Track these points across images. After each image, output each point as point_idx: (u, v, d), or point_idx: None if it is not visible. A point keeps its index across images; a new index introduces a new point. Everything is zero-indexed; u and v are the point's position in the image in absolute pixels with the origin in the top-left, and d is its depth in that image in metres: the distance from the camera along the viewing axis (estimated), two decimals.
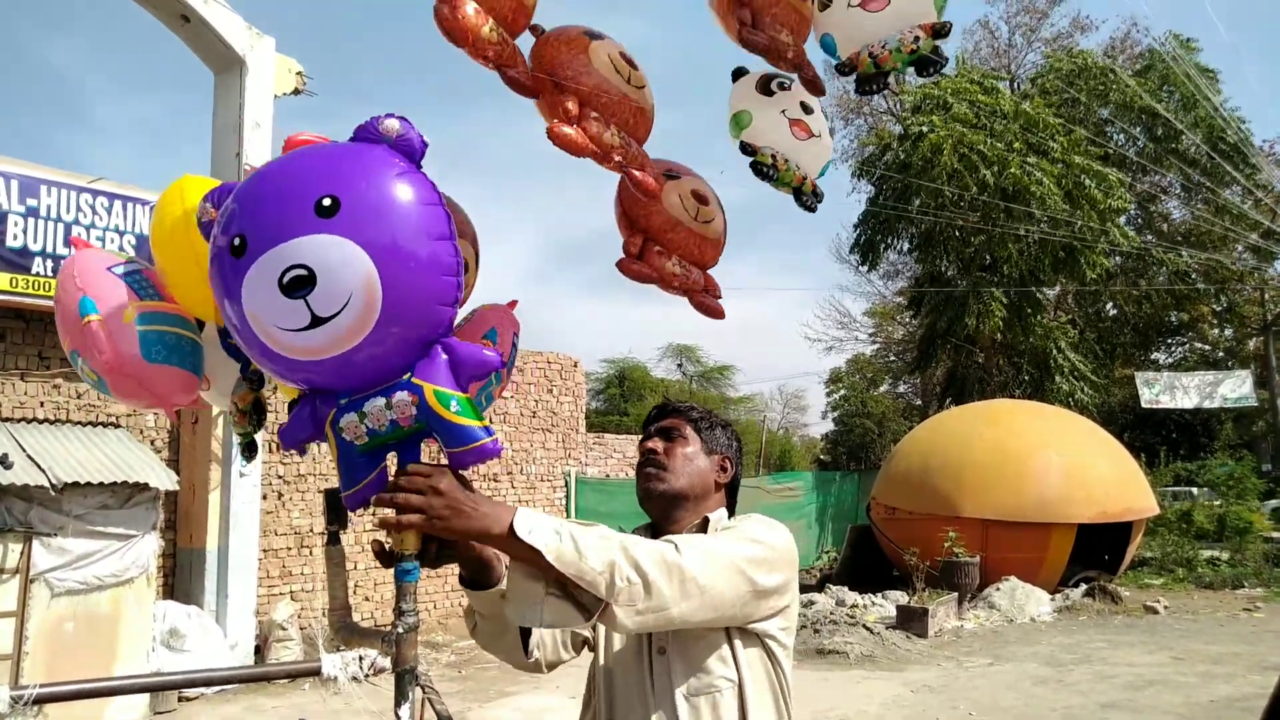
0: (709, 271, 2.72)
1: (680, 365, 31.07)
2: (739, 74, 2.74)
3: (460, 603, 11.25)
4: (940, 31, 2.25)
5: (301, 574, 9.55)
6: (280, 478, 9.53)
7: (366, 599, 9.68)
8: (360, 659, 2.09)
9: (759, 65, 2.61)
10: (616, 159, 2.33)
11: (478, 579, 1.70)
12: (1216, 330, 25.88)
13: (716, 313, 2.70)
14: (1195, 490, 18.25)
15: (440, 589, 11.09)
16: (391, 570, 1.56)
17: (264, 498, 9.19)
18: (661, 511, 1.83)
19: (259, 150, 8.58)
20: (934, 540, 11.89)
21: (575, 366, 13.61)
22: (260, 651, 8.69)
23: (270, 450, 9.41)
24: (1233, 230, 18.81)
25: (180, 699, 7.63)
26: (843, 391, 31.01)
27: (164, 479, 7.39)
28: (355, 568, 9.94)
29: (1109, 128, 20.11)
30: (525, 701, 7.80)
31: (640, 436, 1.95)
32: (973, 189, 16.52)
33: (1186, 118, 18.51)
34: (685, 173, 2.68)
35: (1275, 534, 15.34)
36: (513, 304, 2.54)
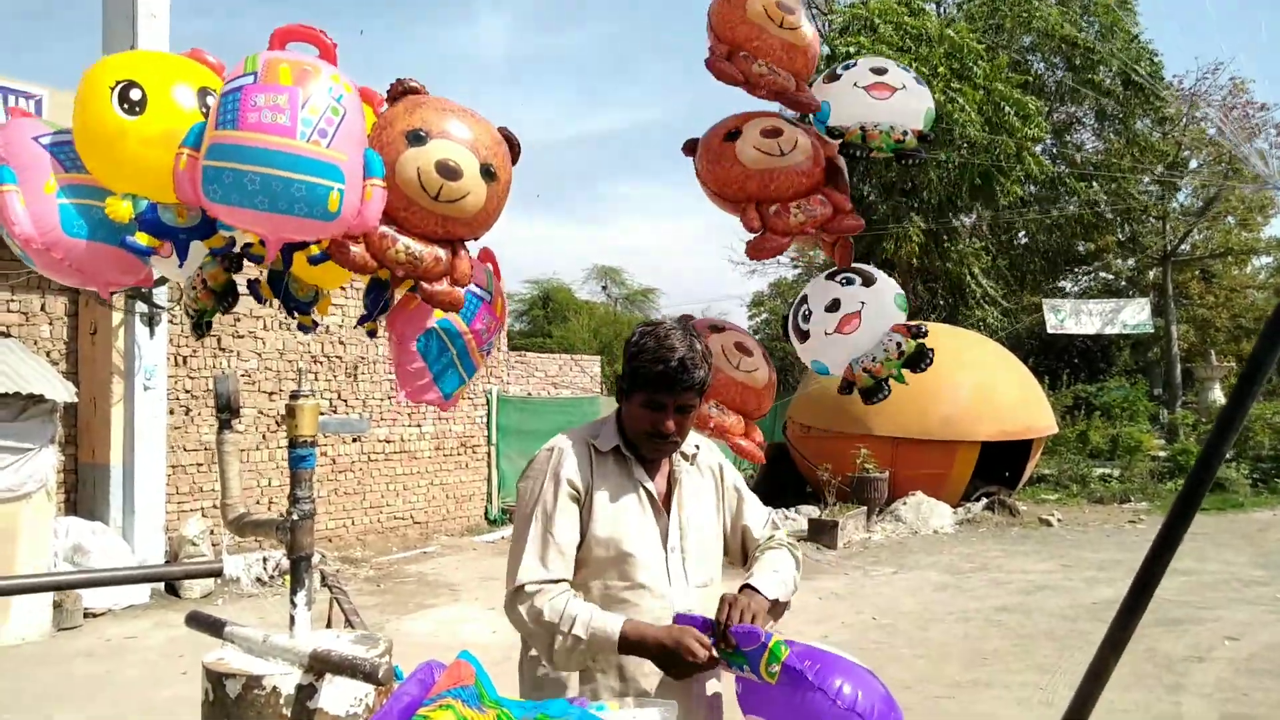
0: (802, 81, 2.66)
1: (605, 288, 30.97)
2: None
3: (379, 520, 11.21)
4: (925, 138, 2.53)
5: (213, 490, 9.33)
6: (188, 392, 9.22)
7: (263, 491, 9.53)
8: (265, 560, 2.01)
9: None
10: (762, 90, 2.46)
11: None
12: (1120, 260, 26.89)
13: (809, 106, 2.63)
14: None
15: (358, 505, 11.00)
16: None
17: (170, 413, 8.89)
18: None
19: (155, 43, 8.03)
20: (846, 457, 12.28)
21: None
22: None
23: (176, 364, 9.08)
24: (1140, 161, 19.40)
25: (86, 615, 7.45)
26: (764, 315, 31.38)
27: (60, 391, 7.06)
28: (249, 461, 9.77)
29: (1030, 56, 20.35)
30: (443, 613, 7.87)
31: (655, 375, 1.95)
32: None
33: (1104, 49, 18.85)
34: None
35: (1162, 453, 16.28)
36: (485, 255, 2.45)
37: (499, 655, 2.03)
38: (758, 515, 2.24)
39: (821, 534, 10.78)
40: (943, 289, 19.23)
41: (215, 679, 1.39)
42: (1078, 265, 26.84)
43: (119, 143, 1.61)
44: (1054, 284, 25.94)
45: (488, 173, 1.77)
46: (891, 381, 2.49)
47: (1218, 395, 19.03)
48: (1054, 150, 21.10)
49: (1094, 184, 19.71)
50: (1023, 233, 22.59)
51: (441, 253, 1.81)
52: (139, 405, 8.28)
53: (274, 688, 1.37)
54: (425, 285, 1.84)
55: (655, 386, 1.95)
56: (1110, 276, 27.73)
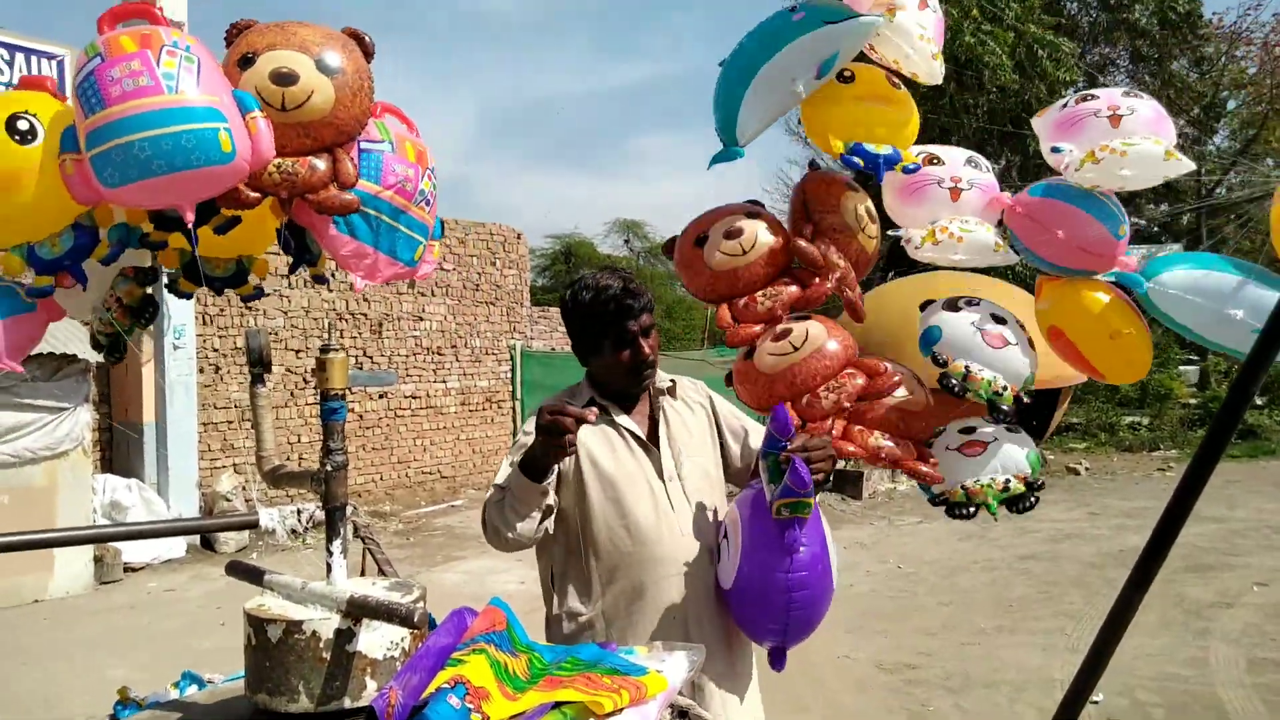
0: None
1: (627, 241, 30.79)
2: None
3: (407, 475, 11.36)
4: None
5: (244, 447, 9.49)
6: (216, 350, 9.34)
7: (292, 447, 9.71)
8: (298, 512, 2.05)
9: None
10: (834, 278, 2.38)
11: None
12: (1153, 205, 26.34)
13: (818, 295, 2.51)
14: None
15: (386, 461, 11.15)
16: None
17: (200, 371, 9.02)
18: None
19: (174, 5, 7.99)
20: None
21: (519, 238, 13.39)
22: None
23: (204, 323, 9.18)
24: (1176, 103, 18.86)
25: (126, 569, 7.66)
26: None
27: (92, 351, 7.18)
28: (278, 419, 9.91)
29: None
30: (471, 565, 8.01)
31: (609, 316, 2.04)
32: None
33: None
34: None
35: (1192, 400, 16.10)
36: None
37: (526, 605, 2.06)
38: None
39: (846, 484, 10.80)
40: None
41: (256, 624, 1.42)
42: None
43: None
44: None
45: (324, 67, 1.73)
46: (978, 510, 2.46)
47: None
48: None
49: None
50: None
51: (319, 162, 1.76)
52: (169, 364, 8.41)
53: (313, 632, 1.40)
54: (312, 197, 1.77)
55: (617, 322, 2.04)
56: (1143, 222, 27.16)
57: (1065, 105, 2.39)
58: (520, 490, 1.88)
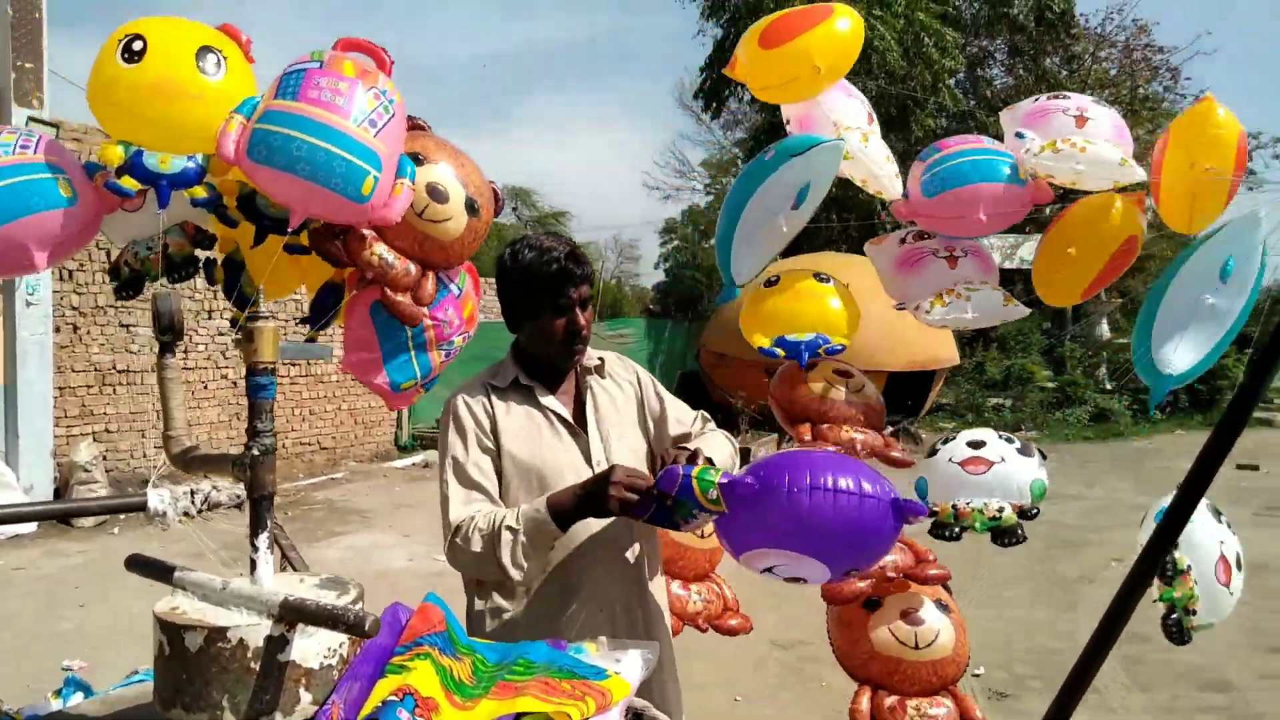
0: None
1: (515, 209, 30.24)
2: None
3: (284, 446, 10.85)
4: (1026, 514, 2.39)
5: (104, 413, 8.83)
6: (75, 309, 8.62)
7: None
8: (192, 493, 1.89)
9: None
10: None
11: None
12: None
13: (902, 464, 2.69)
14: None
15: None
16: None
17: (57, 330, 8.31)
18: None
19: None
20: (760, 385, 12.41)
21: None
22: (60, 495, 8.07)
23: (61, 278, 8.45)
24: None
25: None
26: (676, 242, 31.27)
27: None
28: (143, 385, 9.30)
29: None
30: (354, 540, 7.72)
31: (550, 279, 1.93)
32: None
33: None
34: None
35: (1050, 384, 17.09)
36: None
37: (416, 583, 1.92)
38: (687, 414, 2.24)
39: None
40: (854, 220, 19.50)
41: (171, 630, 1.25)
42: None
43: (113, 89, 1.70)
44: None
45: (471, 207, 1.89)
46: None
47: (1104, 330, 20.00)
48: (966, 84, 21.37)
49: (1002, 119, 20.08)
50: None
51: (413, 268, 1.90)
52: (21, 321, 7.71)
53: (240, 640, 1.25)
54: (389, 293, 1.90)
55: (557, 287, 1.92)
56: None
57: (1037, 99, 2.44)
58: (539, 532, 1.76)
